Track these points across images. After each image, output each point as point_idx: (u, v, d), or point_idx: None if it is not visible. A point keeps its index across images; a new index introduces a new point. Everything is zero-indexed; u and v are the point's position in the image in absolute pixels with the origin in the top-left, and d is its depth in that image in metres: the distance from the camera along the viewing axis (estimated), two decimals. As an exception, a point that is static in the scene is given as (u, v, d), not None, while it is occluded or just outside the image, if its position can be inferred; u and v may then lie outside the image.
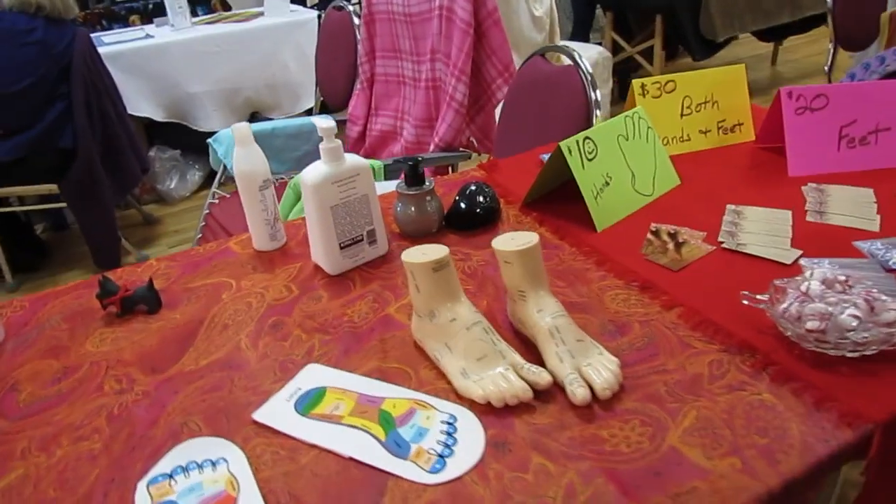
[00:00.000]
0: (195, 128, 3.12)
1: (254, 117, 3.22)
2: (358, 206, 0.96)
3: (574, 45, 3.55)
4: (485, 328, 0.76)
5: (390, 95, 2.15)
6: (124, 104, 2.67)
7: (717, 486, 0.61)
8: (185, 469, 0.66)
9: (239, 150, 0.99)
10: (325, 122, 0.90)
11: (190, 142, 3.21)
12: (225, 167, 2.30)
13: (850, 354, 0.75)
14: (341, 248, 0.96)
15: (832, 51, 2.92)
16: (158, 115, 3.05)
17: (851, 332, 0.74)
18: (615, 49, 3.96)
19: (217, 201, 2.18)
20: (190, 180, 3.34)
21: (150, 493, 0.63)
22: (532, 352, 0.78)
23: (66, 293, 0.99)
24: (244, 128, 0.98)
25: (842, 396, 0.70)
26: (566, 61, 1.57)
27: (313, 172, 0.92)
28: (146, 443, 0.70)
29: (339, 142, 0.92)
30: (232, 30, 3.14)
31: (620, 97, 4.03)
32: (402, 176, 1.03)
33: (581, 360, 0.73)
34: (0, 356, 0.86)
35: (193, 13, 3.42)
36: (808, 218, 1.04)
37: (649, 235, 1.02)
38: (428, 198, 1.04)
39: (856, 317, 0.74)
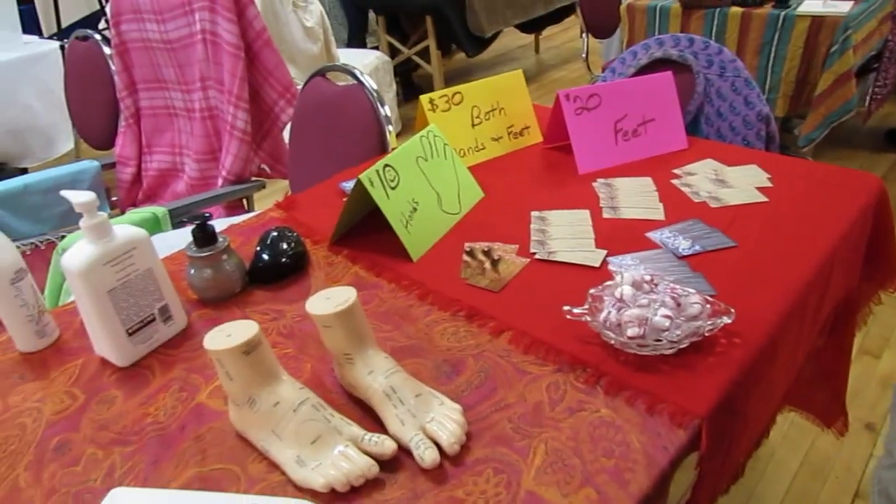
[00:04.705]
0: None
1: (2, 169, 2.76)
2: (142, 284, 0.82)
3: (352, 53, 3.52)
4: (314, 405, 0.68)
5: (162, 130, 1.95)
6: None
7: (579, 524, 0.60)
8: None
9: (-27, 240, 0.81)
10: (80, 197, 0.75)
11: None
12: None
13: (667, 352, 0.78)
14: (129, 334, 0.82)
15: (585, 39, 3.21)
16: None
17: (666, 332, 0.77)
18: (392, 51, 3.99)
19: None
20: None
21: None
22: (370, 414, 0.72)
23: None
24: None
25: (669, 396, 0.73)
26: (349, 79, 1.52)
27: (77, 256, 0.77)
28: None
29: (104, 215, 0.77)
30: (-48, 71, 2.66)
31: (405, 98, 4.07)
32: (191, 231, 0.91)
33: (423, 418, 0.68)
34: None
35: None
36: (605, 215, 1.09)
37: (465, 257, 1.00)
38: (224, 256, 0.93)
39: (667, 316, 0.77)
